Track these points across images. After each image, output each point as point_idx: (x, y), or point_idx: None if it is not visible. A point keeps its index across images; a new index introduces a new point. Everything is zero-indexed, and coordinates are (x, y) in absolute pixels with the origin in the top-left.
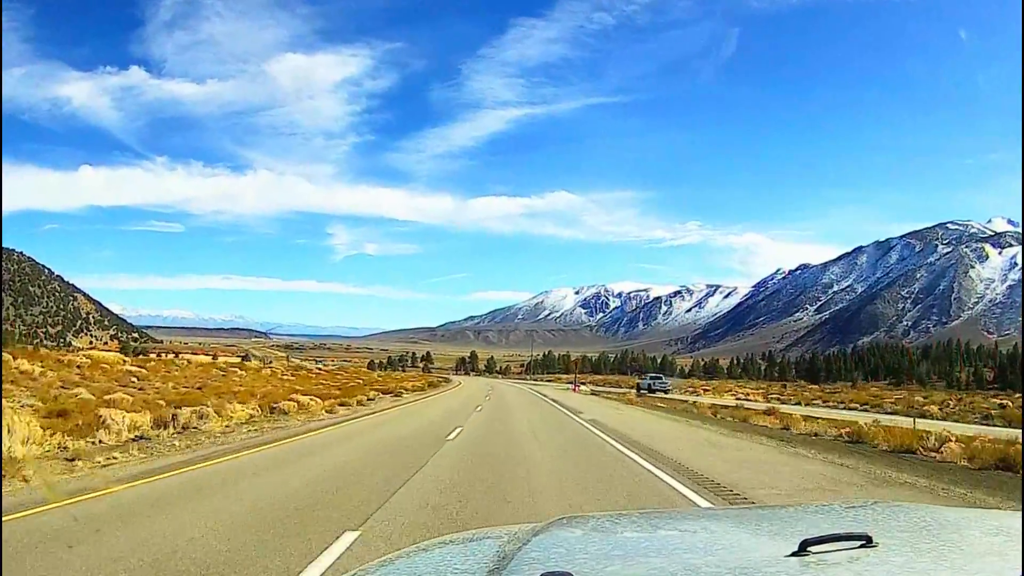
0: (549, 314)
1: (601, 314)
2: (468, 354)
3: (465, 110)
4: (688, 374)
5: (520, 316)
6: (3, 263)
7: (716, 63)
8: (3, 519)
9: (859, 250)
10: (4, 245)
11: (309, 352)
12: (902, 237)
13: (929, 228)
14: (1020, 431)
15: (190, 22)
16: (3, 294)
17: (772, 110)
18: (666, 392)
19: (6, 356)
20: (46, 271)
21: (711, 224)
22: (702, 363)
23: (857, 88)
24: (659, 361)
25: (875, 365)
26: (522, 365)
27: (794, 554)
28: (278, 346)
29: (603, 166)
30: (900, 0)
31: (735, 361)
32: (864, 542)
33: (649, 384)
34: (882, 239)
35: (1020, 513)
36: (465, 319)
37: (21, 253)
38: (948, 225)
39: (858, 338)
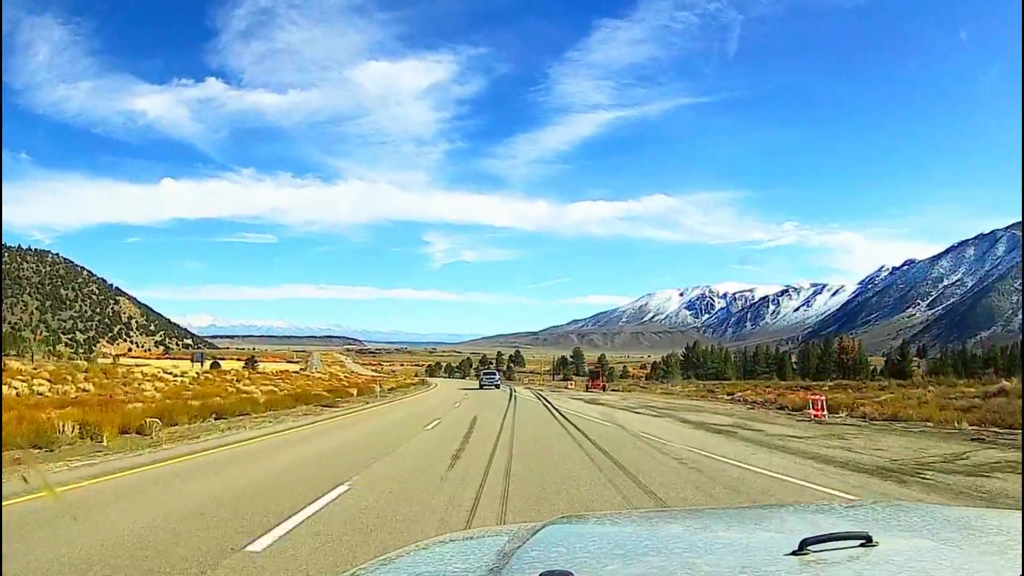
0: (654, 316)
1: (707, 315)
2: (571, 352)
3: (556, 114)
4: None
5: (624, 319)
6: (34, 266)
7: (800, 60)
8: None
9: (964, 243)
10: (38, 248)
11: (388, 356)
12: (1007, 229)
13: None
14: None
15: (266, 31)
16: (16, 296)
17: (862, 107)
18: (497, 387)
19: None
20: (84, 273)
21: (807, 224)
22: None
23: (945, 88)
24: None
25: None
26: (643, 367)
27: (794, 553)
28: (352, 351)
29: (698, 167)
30: None
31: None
32: (864, 541)
33: (482, 381)
34: (986, 232)
35: (1020, 513)
36: (568, 323)
37: (56, 255)
38: None
39: (976, 332)
